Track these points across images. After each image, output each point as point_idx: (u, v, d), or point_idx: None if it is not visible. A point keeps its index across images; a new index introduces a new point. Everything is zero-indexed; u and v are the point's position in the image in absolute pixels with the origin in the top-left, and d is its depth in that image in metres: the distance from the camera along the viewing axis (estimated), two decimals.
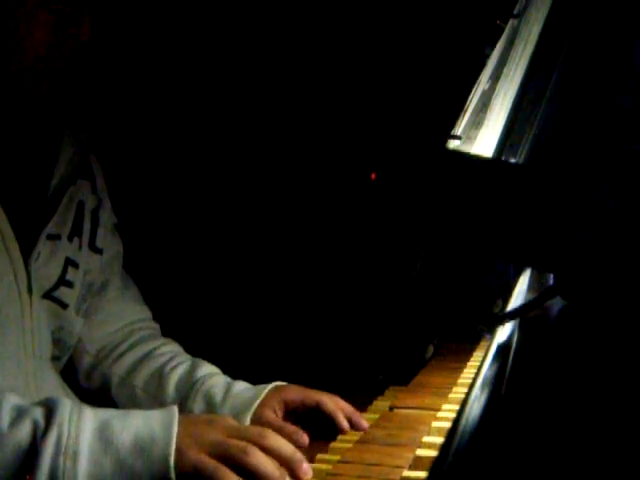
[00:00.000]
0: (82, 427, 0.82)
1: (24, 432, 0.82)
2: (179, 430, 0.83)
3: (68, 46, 1.05)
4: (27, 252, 1.07)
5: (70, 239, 1.15)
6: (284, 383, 1.16)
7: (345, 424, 1.05)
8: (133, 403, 1.20)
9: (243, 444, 0.83)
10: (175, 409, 0.86)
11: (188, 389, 1.17)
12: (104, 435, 0.83)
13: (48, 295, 1.11)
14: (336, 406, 1.08)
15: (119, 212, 1.30)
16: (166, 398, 1.17)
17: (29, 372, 1.07)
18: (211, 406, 1.13)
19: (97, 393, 1.24)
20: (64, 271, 1.14)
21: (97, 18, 1.07)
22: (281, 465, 0.83)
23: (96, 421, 0.84)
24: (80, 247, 1.17)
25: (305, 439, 1.00)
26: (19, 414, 0.83)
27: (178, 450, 0.82)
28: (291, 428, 1.03)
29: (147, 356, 1.24)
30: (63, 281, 1.13)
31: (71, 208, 1.16)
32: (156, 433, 0.83)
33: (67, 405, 0.84)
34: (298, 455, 0.85)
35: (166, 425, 0.84)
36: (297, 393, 1.10)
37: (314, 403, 1.08)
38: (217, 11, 1.90)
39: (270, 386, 1.14)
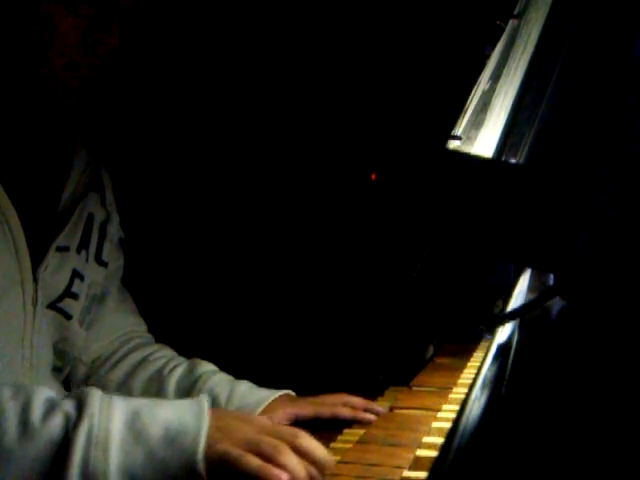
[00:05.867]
0: (113, 418, 0.83)
1: (56, 424, 0.82)
2: (210, 422, 0.83)
3: (97, 53, 1.02)
4: (36, 263, 1.07)
5: (78, 251, 1.15)
6: (293, 393, 1.15)
7: (369, 417, 1.08)
8: None
9: (275, 442, 0.83)
10: (205, 401, 0.86)
11: (189, 388, 1.16)
12: (135, 425, 0.83)
13: (53, 306, 1.11)
14: (353, 412, 1.09)
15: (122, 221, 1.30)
16: (167, 399, 1.17)
17: (25, 383, 1.07)
18: (215, 406, 1.12)
19: None
20: (70, 283, 1.13)
21: (125, 25, 1.04)
22: (311, 467, 0.83)
23: (127, 411, 0.84)
24: (87, 259, 1.17)
25: None
26: (51, 406, 0.83)
27: (207, 443, 0.82)
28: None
29: (143, 361, 1.24)
30: (69, 293, 1.13)
31: (81, 220, 1.15)
32: (187, 423, 0.83)
33: (97, 396, 0.84)
34: (330, 459, 0.85)
35: (197, 416, 0.84)
36: (310, 409, 1.10)
37: (330, 416, 1.09)
38: (218, 16, 1.90)
39: (279, 393, 1.13)
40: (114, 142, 1.57)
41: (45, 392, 0.86)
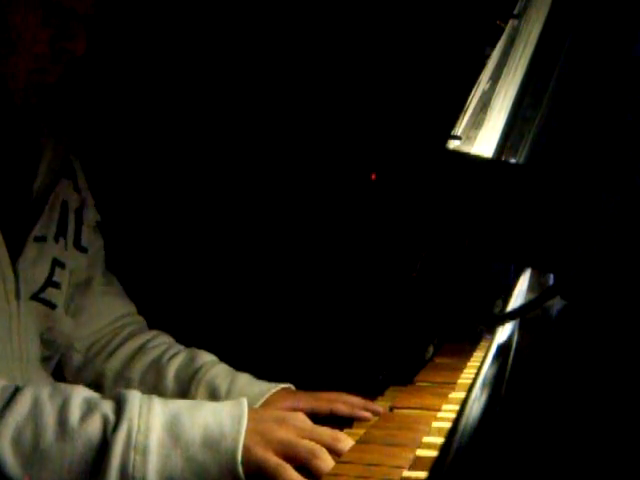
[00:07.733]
0: (152, 422, 0.82)
1: (95, 427, 0.82)
2: (248, 426, 0.83)
3: (62, 61, 1.05)
4: (15, 255, 1.07)
5: (56, 240, 1.15)
6: (292, 387, 1.16)
7: (367, 414, 1.08)
8: None
9: (312, 446, 0.83)
10: (245, 403, 0.86)
11: (189, 378, 1.16)
12: (174, 429, 0.83)
13: (36, 297, 1.11)
14: (351, 409, 1.09)
15: (112, 210, 1.30)
16: (165, 389, 1.17)
17: (17, 376, 1.07)
18: (215, 398, 1.13)
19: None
20: (51, 272, 1.13)
21: (92, 33, 1.06)
22: None
23: (166, 415, 0.84)
24: (66, 247, 1.17)
25: None
26: (89, 408, 0.83)
27: (245, 446, 0.82)
28: None
29: (141, 349, 1.24)
30: (50, 282, 1.13)
31: (56, 208, 1.16)
32: (226, 428, 0.83)
33: (136, 399, 0.84)
34: None
35: (236, 420, 0.84)
36: (308, 403, 1.10)
37: (328, 412, 1.09)
38: (216, 12, 1.90)
39: (278, 387, 1.14)
40: (97, 129, 1.57)
41: (83, 392, 0.86)
